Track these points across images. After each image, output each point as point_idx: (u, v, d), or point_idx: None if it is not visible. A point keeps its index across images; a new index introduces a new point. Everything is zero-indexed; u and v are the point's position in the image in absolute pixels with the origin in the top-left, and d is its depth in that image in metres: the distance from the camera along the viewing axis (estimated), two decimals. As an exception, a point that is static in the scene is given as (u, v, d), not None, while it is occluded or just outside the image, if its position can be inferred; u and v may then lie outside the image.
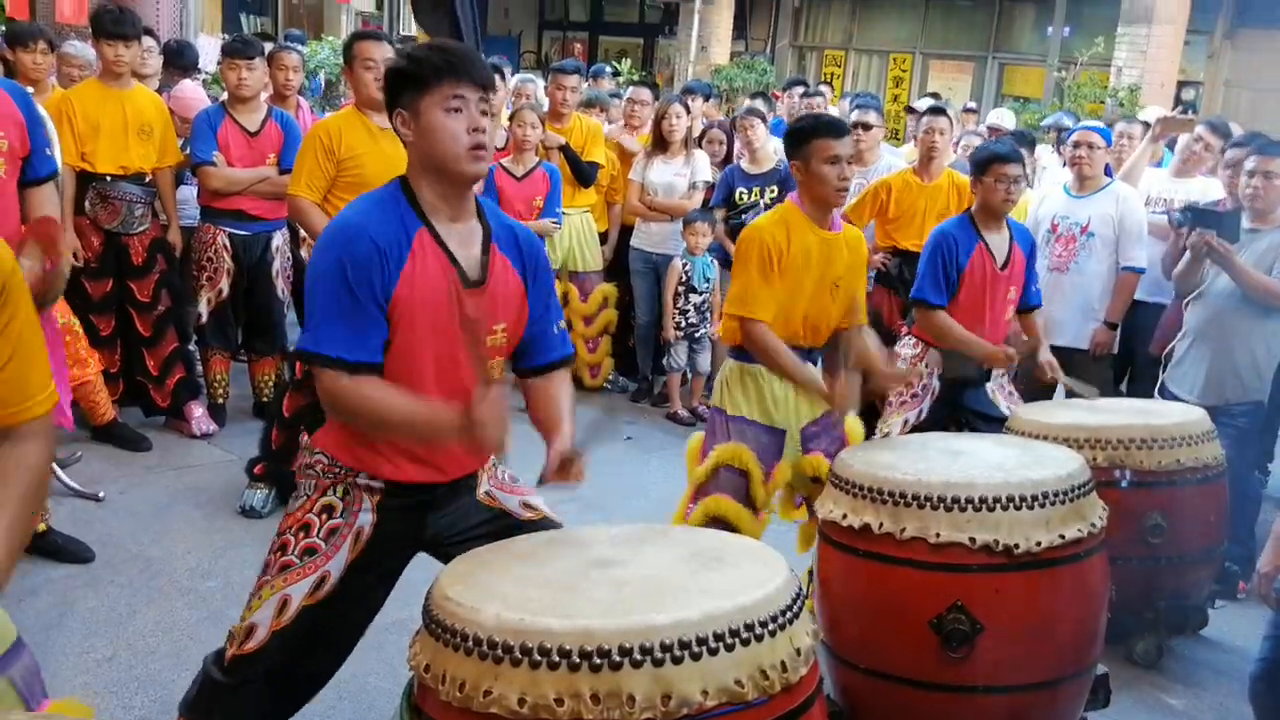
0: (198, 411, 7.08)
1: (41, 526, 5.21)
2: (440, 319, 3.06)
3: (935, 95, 15.09)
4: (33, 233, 5.11)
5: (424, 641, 2.66)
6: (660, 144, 8.43)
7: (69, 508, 5.73)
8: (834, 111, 10.87)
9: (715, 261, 8.15)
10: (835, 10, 23.28)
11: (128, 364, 6.91)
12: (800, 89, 10.59)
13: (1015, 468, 3.88)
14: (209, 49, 10.98)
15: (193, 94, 8.07)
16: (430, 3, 10.09)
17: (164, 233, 6.99)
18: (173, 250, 7.07)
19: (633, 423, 8.17)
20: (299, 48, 9.09)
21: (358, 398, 2.97)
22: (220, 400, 7.27)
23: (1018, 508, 3.68)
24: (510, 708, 2.41)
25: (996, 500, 3.68)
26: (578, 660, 2.39)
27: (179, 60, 8.78)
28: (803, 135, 4.64)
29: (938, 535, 3.68)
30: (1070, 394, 5.68)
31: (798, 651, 2.58)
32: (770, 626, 2.53)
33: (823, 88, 11.81)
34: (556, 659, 2.40)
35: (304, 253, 7.45)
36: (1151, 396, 6.14)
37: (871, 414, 5.72)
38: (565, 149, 8.17)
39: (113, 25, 6.54)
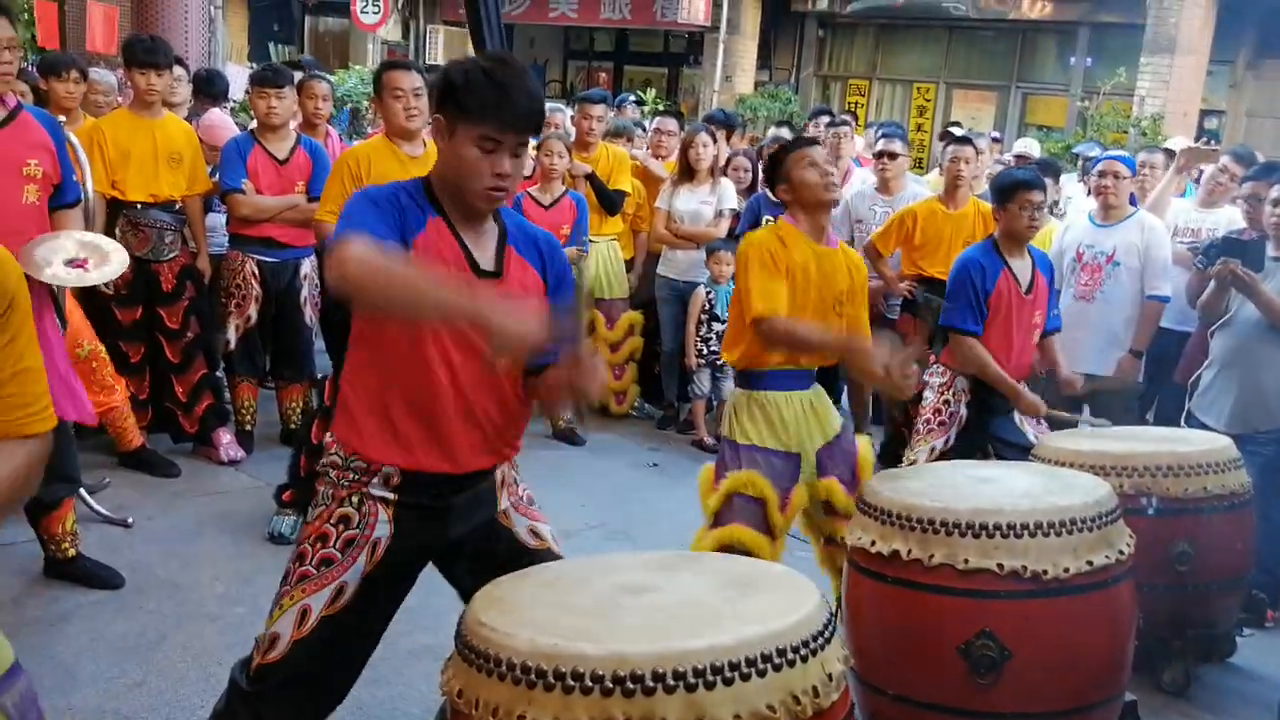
0: (226, 438, 7.10)
1: (71, 552, 5.26)
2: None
3: (957, 124, 15.12)
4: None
5: (457, 667, 2.67)
6: (687, 172, 8.46)
7: (98, 534, 5.74)
8: (859, 141, 10.95)
9: (739, 291, 8.15)
10: (859, 40, 23.33)
11: (157, 390, 6.94)
12: (825, 118, 10.61)
13: (1043, 495, 3.88)
14: (237, 78, 11.08)
15: (221, 122, 8.13)
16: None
17: (193, 260, 7.03)
18: (202, 277, 7.11)
19: (657, 450, 8.18)
20: (328, 77, 9.15)
21: (383, 261, 2.75)
22: (248, 427, 7.29)
23: (1045, 535, 3.68)
24: (543, 732, 2.42)
25: (1024, 527, 3.68)
26: (611, 685, 2.40)
27: (209, 89, 8.88)
28: (775, 161, 4.72)
29: (966, 562, 3.68)
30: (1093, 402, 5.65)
31: (829, 677, 2.59)
32: (802, 652, 2.54)
33: (847, 117, 11.83)
34: (590, 684, 2.41)
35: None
36: (1178, 424, 6.13)
37: (898, 442, 5.73)
38: (592, 177, 8.21)
39: (145, 54, 6.61)
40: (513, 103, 2.97)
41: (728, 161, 9.07)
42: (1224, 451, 4.98)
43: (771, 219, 8.06)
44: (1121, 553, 3.82)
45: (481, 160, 2.98)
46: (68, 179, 5.23)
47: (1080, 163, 11.07)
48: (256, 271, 6.95)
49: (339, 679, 3.30)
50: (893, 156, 7.99)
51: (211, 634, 4.90)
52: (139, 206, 6.70)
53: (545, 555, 3.33)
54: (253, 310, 6.99)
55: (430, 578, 3.42)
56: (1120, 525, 3.90)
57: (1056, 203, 8.65)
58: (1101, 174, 6.96)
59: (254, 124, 7.11)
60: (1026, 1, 20.35)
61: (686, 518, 4.89)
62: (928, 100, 22.12)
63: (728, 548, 4.53)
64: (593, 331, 8.47)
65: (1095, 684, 3.80)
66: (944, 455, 5.50)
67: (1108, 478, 4.41)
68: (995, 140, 13.76)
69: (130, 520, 5.99)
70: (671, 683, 2.40)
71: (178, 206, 6.87)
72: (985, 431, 5.60)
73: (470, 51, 9.86)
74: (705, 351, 8.23)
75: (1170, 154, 8.28)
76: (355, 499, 3.17)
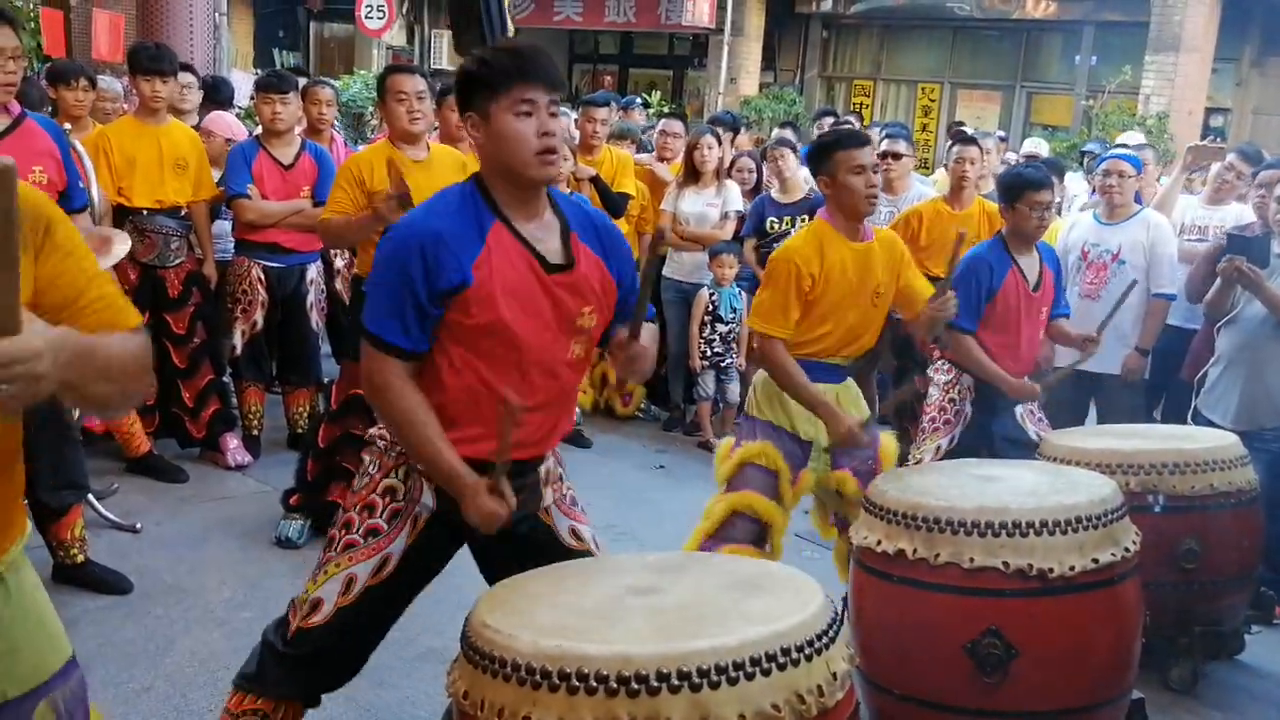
0: (233, 443, 7.11)
1: (80, 558, 5.27)
2: (528, 304, 3.08)
3: (961, 124, 15.11)
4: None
5: (462, 668, 2.68)
6: (692, 174, 8.47)
7: (106, 539, 5.76)
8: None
9: (743, 293, 8.18)
10: (863, 41, 23.32)
11: (163, 396, 6.93)
12: (830, 119, 10.60)
13: (1048, 493, 3.88)
14: (242, 84, 11.10)
15: (224, 118, 8.13)
16: (466, 21, 10.11)
17: (199, 265, 7.04)
18: (208, 283, 7.12)
19: (664, 451, 8.19)
20: (332, 82, 9.17)
21: (400, 397, 3.05)
22: (255, 432, 7.30)
23: (1051, 533, 3.68)
24: (549, 732, 2.43)
25: (1030, 525, 3.68)
26: (616, 685, 2.41)
27: (215, 95, 8.90)
28: (826, 149, 4.70)
29: (971, 560, 3.68)
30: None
31: (834, 676, 2.59)
32: (806, 651, 2.55)
33: (851, 118, 11.82)
34: (595, 684, 2.41)
35: (338, 285, 7.51)
36: (1185, 422, 6.12)
37: (903, 441, 5.73)
38: (596, 180, 8.21)
39: (150, 61, 6.63)
40: (533, 61, 3.05)
41: (732, 163, 9.07)
42: (1231, 449, 4.98)
43: (776, 221, 8.10)
44: (1127, 550, 3.82)
45: (523, 124, 3.03)
46: (73, 185, 5.27)
47: (1085, 160, 11.05)
48: (262, 277, 6.97)
49: (364, 648, 3.37)
50: (897, 157, 7.99)
51: (219, 639, 4.90)
52: (145, 213, 6.70)
53: (583, 557, 3.36)
54: (259, 315, 7.01)
55: (436, 582, 3.43)
56: (1126, 523, 3.90)
57: (1060, 201, 8.64)
58: (1106, 173, 6.96)
59: (259, 130, 7.12)
60: (1030, 0, 20.33)
61: (693, 519, 4.89)
62: (932, 100, 22.10)
63: (739, 513, 4.65)
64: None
65: (1102, 682, 3.79)
66: (949, 453, 5.50)
67: (1114, 476, 4.41)
68: (1002, 140, 13.74)
69: (138, 526, 6.00)
70: (676, 683, 2.40)
71: (183, 212, 6.88)
72: (989, 429, 5.60)
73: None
74: (709, 353, 8.24)
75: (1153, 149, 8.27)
76: (401, 471, 3.24)
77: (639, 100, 13.14)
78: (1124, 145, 9.63)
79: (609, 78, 25.84)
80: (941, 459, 5.45)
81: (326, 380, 7.02)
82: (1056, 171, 8.62)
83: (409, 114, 5.61)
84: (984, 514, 3.73)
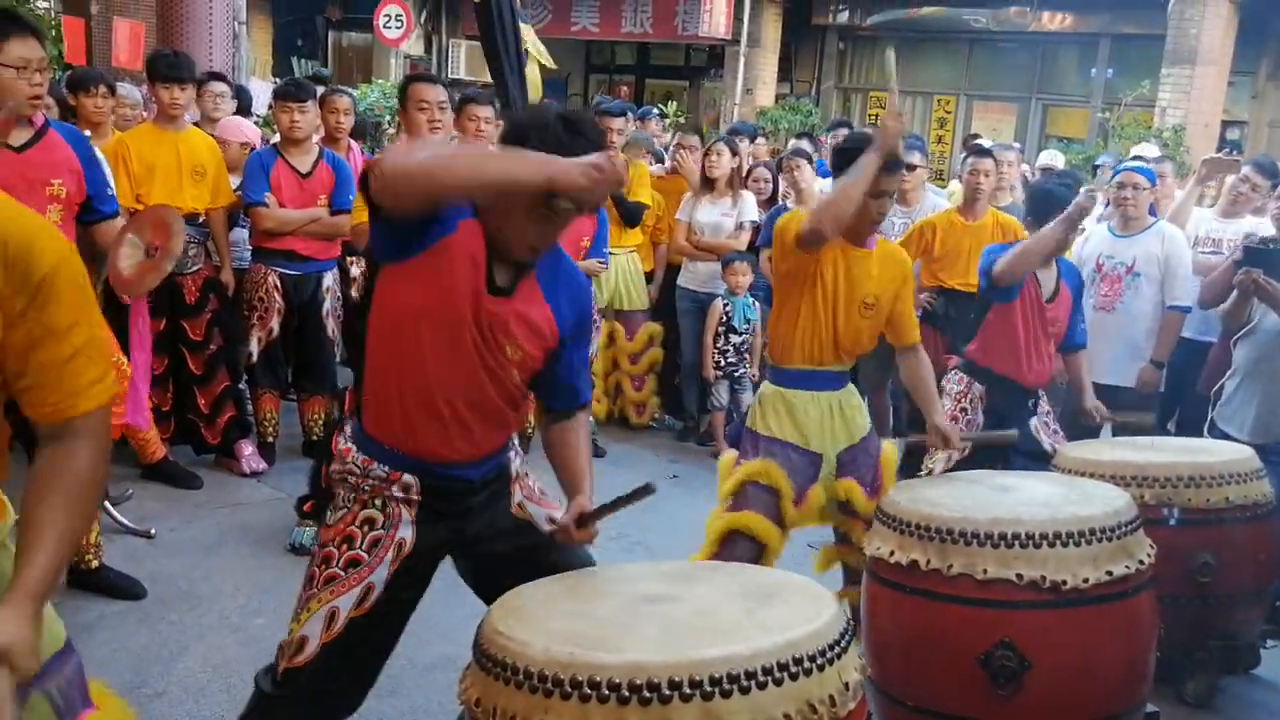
0: (248, 450, 7.13)
1: (94, 563, 5.27)
2: (452, 312, 3.02)
3: (977, 136, 15.09)
4: (148, 215, 5.34)
5: (474, 676, 2.69)
6: (707, 184, 8.48)
7: (121, 545, 5.77)
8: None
9: (757, 303, 8.18)
10: (879, 52, 23.30)
11: (179, 402, 6.96)
12: (845, 130, 10.60)
13: (1062, 505, 3.88)
14: (261, 93, 11.13)
15: (234, 121, 8.13)
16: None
17: (216, 272, 7.05)
18: (225, 290, 7.13)
19: (677, 461, 8.19)
20: (350, 91, 9.19)
21: (412, 154, 2.91)
22: (270, 439, 7.31)
23: (1065, 544, 3.68)
24: (561, 739, 2.43)
25: (1044, 537, 3.68)
26: (627, 694, 2.41)
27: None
28: (847, 156, 4.59)
29: (985, 572, 3.68)
30: (1121, 429, 5.64)
31: (846, 686, 2.59)
32: (819, 661, 2.55)
33: (868, 129, 11.81)
34: (606, 692, 2.42)
35: (354, 293, 7.52)
36: (1200, 435, 6.11)
37: (917, 452, 5.71)
38: (610, 188, 8.21)
39: (168, 69, 6.67)
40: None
41: (748, 173, 9.07)
42: (1247, 462, 4.96)
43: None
44: (1142, 563, 3.81)
45: (535, 224, 2.99)
46: (102, 192, 5.30)
47: (1096, 173, 11.04)
48: (279, 284, 6.98)
49: (357, 685, 3.31)
50: (911, 168, 7.95)
51: (233, 645, 4.91)
52: (162, 219, 6.71)
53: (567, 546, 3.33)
54: (275, 323, 7.02)
55: (448, 590, 3.43)
56: (1140, 535, 3.89)
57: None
58: (1121, 185, 6.95)
59: (276, 138, 7.14)
60: (1046, 14, 20.32)
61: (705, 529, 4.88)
62: (948, 112, 22.09)
63: (736, 532, 4.57)
64: (612, 343, 8.50)
65: (1116, 695, 3.79)
66: (961, 464, 5.49)
67: (1128, 488, 4.41)
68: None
69: (153, 532, 6.01)
70: (688, 691, 2.40)
71: (201, 219, 6.91)
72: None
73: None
74: (723, 363, 8.24)
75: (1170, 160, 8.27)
76: (378, 501, 3.19)
77: (655, 111, 13.14)
78: (1141, 157, 9.64)
79: (625, 88, 25.88)
80: (954, 469, 5.44)
81: (341, 387, 7.02)
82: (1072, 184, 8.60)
83: (430, 122, 5.66)
84: (998, 525, 3.73)
